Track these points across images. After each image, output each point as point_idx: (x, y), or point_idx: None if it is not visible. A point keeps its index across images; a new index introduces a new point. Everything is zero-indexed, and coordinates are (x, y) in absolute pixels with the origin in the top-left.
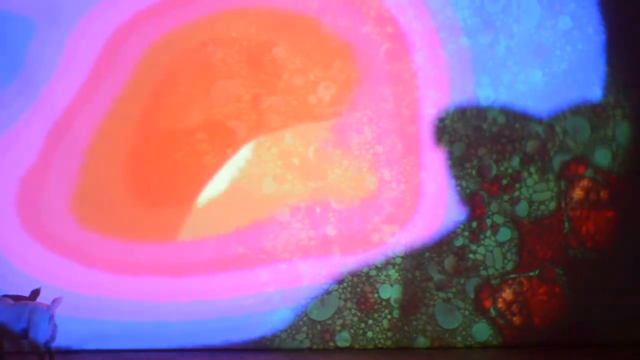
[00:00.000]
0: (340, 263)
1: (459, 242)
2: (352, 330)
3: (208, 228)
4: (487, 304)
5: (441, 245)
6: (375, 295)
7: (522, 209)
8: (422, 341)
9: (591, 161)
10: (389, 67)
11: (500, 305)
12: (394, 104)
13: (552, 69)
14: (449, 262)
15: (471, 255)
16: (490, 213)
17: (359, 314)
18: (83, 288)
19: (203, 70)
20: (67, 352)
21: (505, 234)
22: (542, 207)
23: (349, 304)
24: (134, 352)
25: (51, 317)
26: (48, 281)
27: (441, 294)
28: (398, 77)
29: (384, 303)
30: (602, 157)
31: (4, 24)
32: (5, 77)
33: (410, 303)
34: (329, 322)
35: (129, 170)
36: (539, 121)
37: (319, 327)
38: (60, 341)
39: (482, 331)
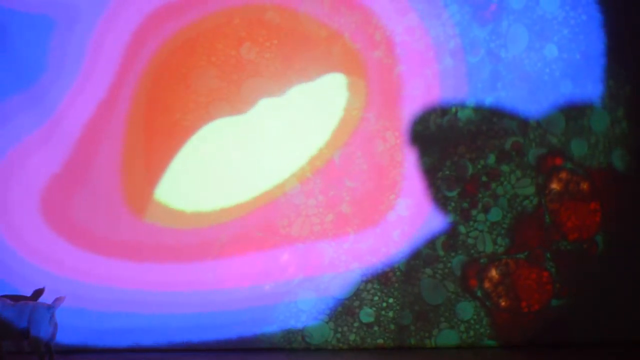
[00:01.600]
0: (357, 241)
1: (449, 220)
2: (374, 309)
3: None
4: (473, 283)
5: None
6: (398, 273)
7: (503, 204)
8: (406, 314)
9: (568, 153)
10: (400, 87)
11: (486, 285)
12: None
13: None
14: (439, 241)
15: (462, 237)
16: (480, 196)
17: (379, 293)
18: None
19: (234, 67)
20: (67, 352)
21: (496, 214)
22: (526, 202)
23: (369, 285)
24: (135, 352)
25: (52, 316)
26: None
27: (428, 270)
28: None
29: (403, 278)
30: (579, 148)
31: (25, 26)
32: (28, 80)
33: (405, 278)
34: (349, 301)
35: (157, 163)
36: (513, 116)
37: (340, 308)
38: (81, 338)
39: (465, 310)
